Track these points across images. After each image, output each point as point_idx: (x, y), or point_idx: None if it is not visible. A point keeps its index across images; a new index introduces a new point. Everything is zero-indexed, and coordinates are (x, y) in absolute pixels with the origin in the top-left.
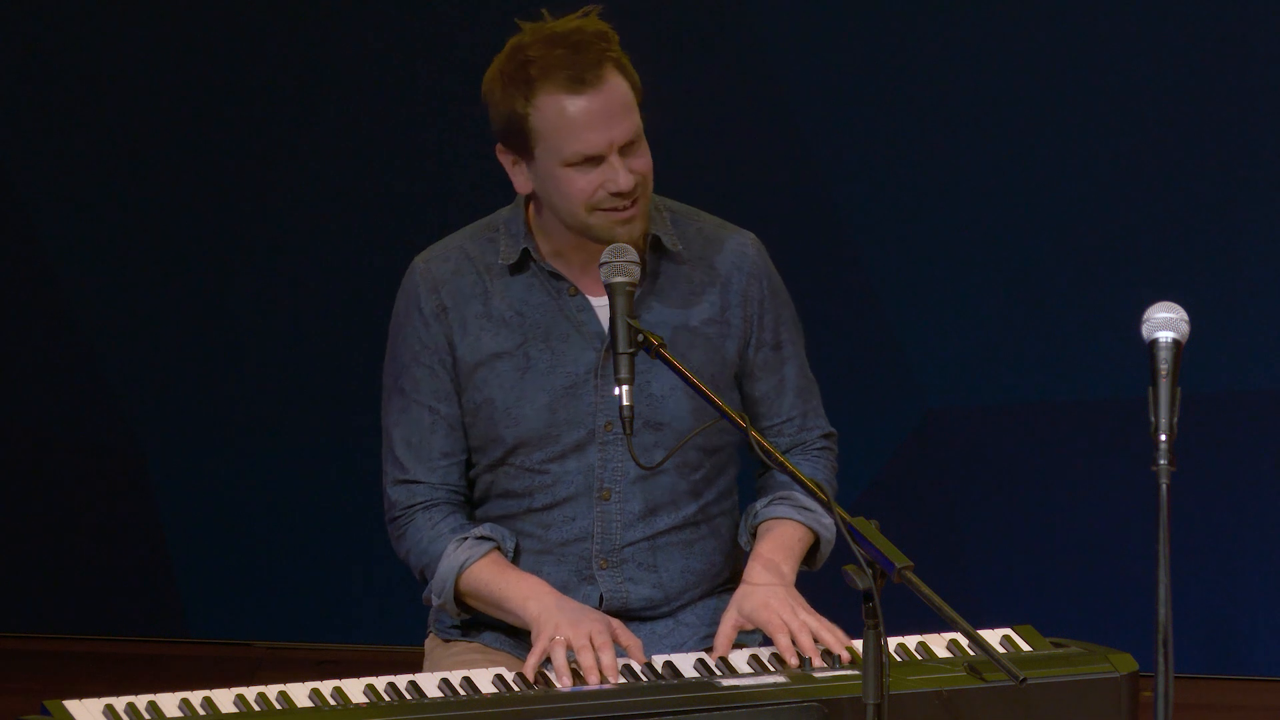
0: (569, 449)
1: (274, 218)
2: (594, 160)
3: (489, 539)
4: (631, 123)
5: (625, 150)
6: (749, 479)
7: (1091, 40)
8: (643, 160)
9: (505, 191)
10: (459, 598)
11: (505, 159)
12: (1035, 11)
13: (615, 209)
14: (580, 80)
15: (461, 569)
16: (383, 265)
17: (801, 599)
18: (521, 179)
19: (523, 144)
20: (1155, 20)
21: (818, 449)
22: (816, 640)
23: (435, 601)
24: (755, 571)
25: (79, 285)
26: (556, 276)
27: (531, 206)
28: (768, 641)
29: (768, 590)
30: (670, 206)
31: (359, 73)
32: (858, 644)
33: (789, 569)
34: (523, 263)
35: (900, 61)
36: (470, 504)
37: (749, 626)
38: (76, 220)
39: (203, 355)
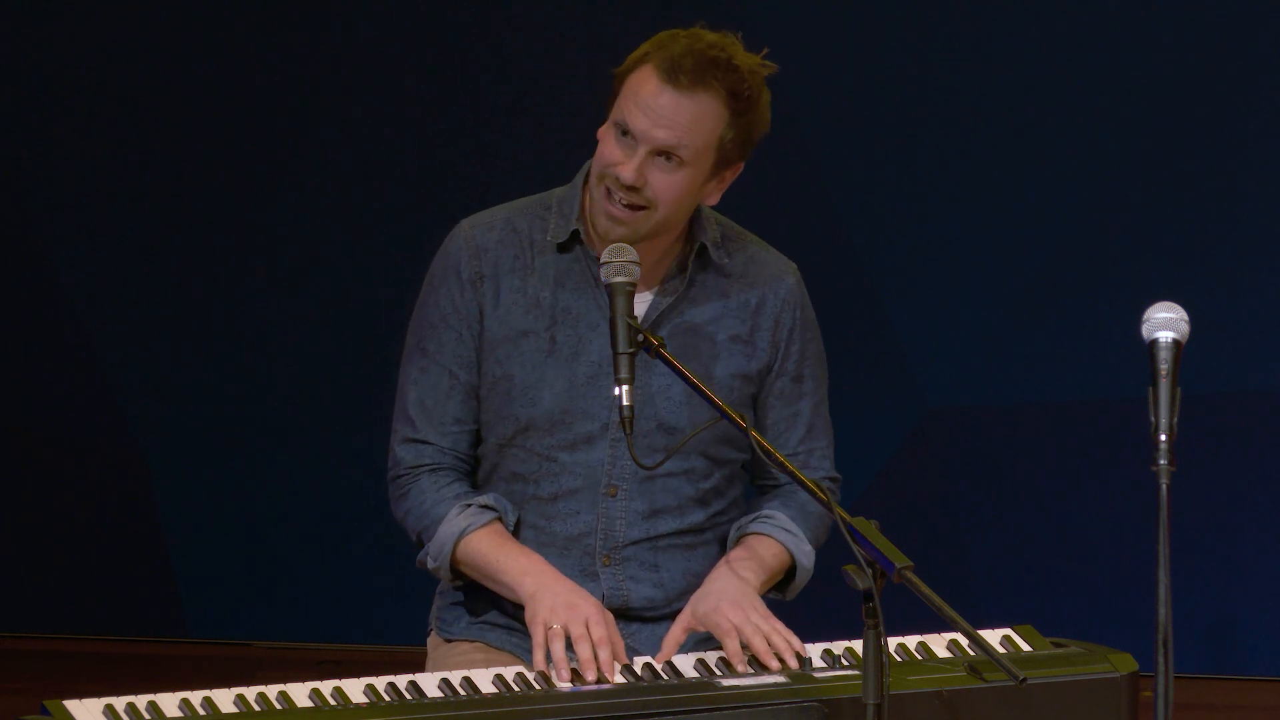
0: (579, 440)
1: (274, 219)
2: (629, 137)
3: (492, 509)
4: (681, 136)
5: (658, 157)
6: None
7: (1092, 40)
8: (666, 181)
9: (506, 187)
10: (455, 565)
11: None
12: (1035, 12)
13: (613, 193)
14: (672, 75)
15: (461, 535)
16: (383, 267)
17: (759, 602)
18: (605, 125)
19: (614, 94)
20: (1155, 20)
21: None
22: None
23: (430, 565)
24: (716, 575)
25: (79, 285)
26: (600, 263)
27: (588, 188)
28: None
29: (722, 592)
30: (722, 222)
31: (355, 75)
32: (857, 644)
33: (752, 574)
34: (570, 244)
35: (900, 62)
36: (475, 477)
37: (700, 629)
38: (76, 220)
39: (203, 355)
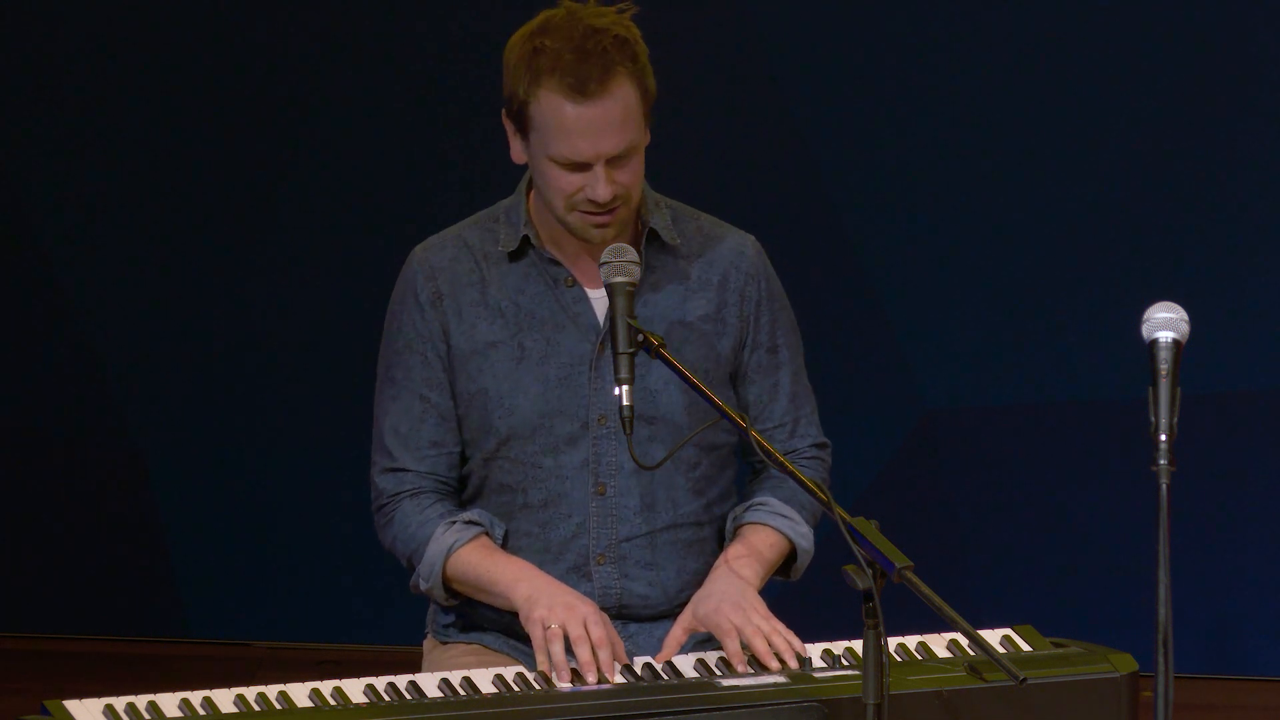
0: (561, 442)
1: (273, 218)
2: (580, 165)
3: (477, 524)
4: (625, 137)
5: (613, 161)
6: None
7: (1091, 40)
8: (629, 172)
9: (502, 189)
10: (446, 582)
11: (507, 125)
12: (1035, 12)
13: (592, 213)
14: (581, 90)
15: (449, 552)
16: (382, 265)
17: (759, 602)
18: (517, 150)
19: (520, 123)
20: (1155, 20)
21: (808, 458)
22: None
23: (423, 586)
24: (717, 575)
25: (79, 285)
26: (555, 263)
27: (532, 195)
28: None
29: (723, 593)
30: (670, 204)
31: (357, 74)
32: (858, 644)
33: (752, 573)
34: (522, 250)
35: (900, 61)
36: (458, 497)
37: (701, 630)
38: (76, 220)
39: (203, 355)
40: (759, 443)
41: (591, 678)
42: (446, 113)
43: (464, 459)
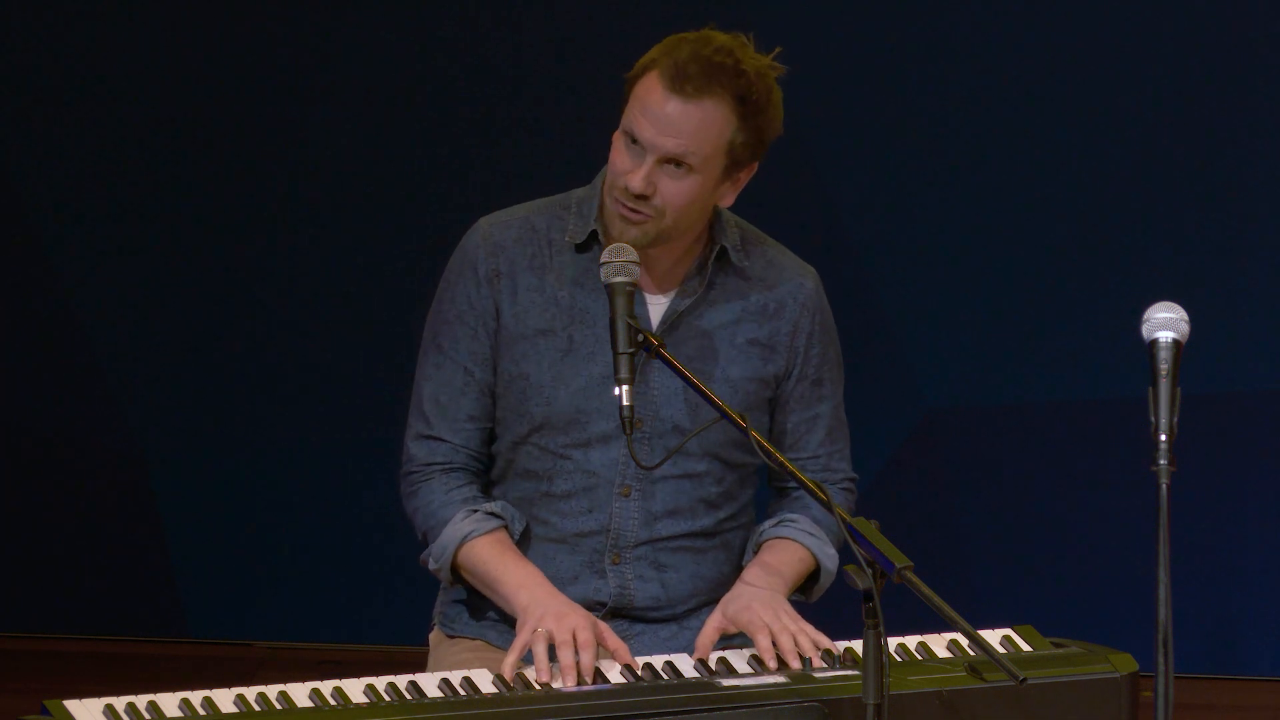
0: (594, 439)
1: (275, 218)
2: (638, 145)
3: (498, 516)
4: (687, 145)
5: (667, 165)
6: (763, 503)
7: (1091, 41)
8: (675, 188)
9: (512, 190)
10: (455, 568)
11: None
12: (1035, 12)
13: (621, 201)
14: (677, 83)
15: (463, 541)
16: (385, 267)
17: (788, 605)
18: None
19: (625, 100)
20: (1155, 20)
21: (840, 490)
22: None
23: (431, 566)
24: (749, 575)
25: (79, 285)
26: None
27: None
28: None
29: (753, 593)
30: (742, 225)
31: (362, 75)
32: (858, 644)
33: (782, 580)
34: (587, 244)
35: (900, 62)
36: (489, 475)
37: (732, 630)
38: (76, 220)
39: (203, 355)
40: (759, 443)
41: (571, 681)
42: (450, 115)
43: (493, 437)
